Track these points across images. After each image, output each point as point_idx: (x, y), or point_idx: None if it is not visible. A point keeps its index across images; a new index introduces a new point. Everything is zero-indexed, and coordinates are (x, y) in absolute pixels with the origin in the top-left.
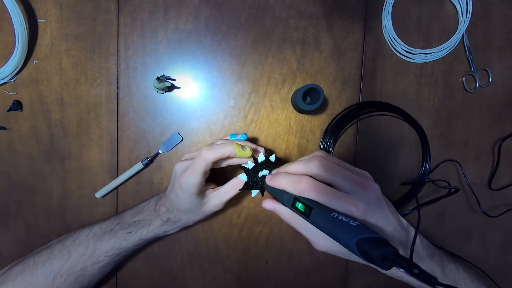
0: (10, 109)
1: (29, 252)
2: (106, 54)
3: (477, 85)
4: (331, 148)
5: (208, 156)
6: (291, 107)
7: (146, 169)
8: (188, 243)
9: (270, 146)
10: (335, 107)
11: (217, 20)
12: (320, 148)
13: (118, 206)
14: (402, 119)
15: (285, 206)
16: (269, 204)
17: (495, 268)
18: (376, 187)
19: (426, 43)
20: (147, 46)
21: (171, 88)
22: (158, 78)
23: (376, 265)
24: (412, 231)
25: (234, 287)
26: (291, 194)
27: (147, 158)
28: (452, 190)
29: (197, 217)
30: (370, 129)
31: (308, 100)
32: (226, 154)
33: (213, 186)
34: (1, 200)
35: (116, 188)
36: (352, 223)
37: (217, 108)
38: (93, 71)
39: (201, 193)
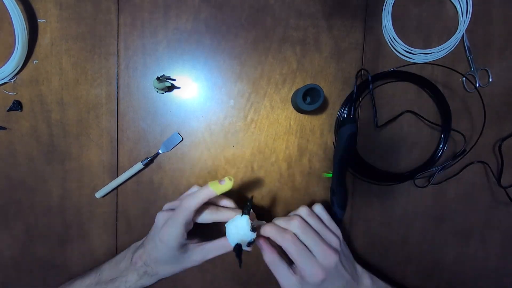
0: (10, 109)
1: (28, 252)
2: (106, 54)
3: (477, 85)
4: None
5: (188, 204)
6: (291, 107)
7: (146, 169)
8: None
9: (270, 146)
10: (335, 107)
11: (217, 20)
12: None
13: (118, 206)
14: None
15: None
16: (261, 242)
17: (495, 268)
18: (335, 257)
19: (426, 43)
20: (147, 46)
21: (171, 88)
22: (158, 78)
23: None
24: (366, 274)
25: (234, 287)
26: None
27: (147, 158)
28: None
29: (175, 270)
30: (370, 128)
31: (308, 100)
32: (206, 198)
33: (196, 240)
34: (1, 200)
35: (116, 188)
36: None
37: (217, 108)
38: (93, 71)
39: (183, 246)
